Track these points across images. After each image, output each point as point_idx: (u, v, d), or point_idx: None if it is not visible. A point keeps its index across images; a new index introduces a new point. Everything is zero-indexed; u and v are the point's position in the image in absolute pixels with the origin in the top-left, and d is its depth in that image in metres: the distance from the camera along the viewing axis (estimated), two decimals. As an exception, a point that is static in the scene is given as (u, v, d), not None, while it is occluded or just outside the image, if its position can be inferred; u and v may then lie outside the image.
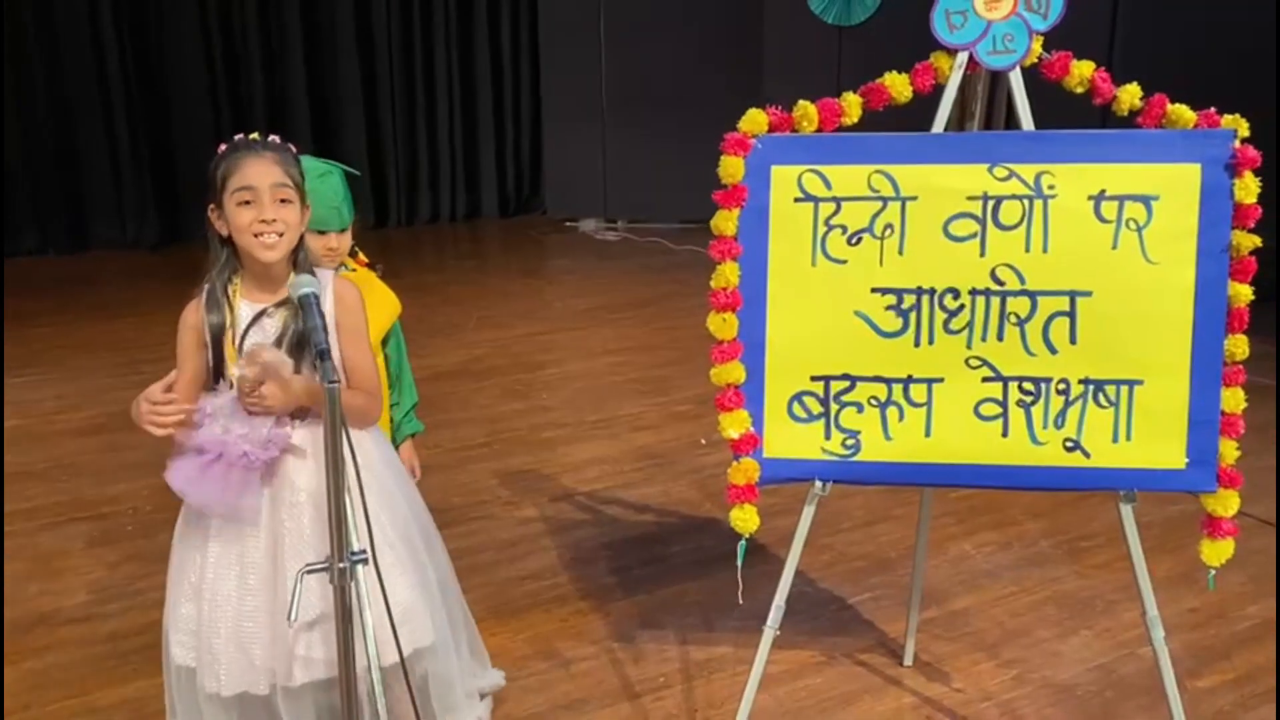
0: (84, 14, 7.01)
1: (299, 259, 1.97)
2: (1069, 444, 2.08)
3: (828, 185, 2.06)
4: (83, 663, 2.70)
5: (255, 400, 1.88)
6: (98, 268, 7.04)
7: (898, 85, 2.07)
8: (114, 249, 7.40)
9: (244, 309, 1.95)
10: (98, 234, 7.43)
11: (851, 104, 2.08)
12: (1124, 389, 2.05)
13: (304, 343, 1.90)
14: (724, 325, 2.09)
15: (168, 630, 2.06)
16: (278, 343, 1.92)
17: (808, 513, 2.19)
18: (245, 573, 1.96)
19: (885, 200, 2.05)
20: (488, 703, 2.45)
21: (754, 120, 2.06)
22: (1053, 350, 2.05)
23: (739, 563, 2.16)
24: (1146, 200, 1.99)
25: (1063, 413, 2.07)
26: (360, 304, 2.04)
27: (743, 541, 2.16)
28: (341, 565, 1.67)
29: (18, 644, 2.79)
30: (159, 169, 7.46)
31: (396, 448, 2.41)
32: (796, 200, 2.07)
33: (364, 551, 1.69)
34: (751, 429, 2.12)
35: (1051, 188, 2.01)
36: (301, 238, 1.97)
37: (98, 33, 7.07)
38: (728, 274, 2.07)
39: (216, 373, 1.95)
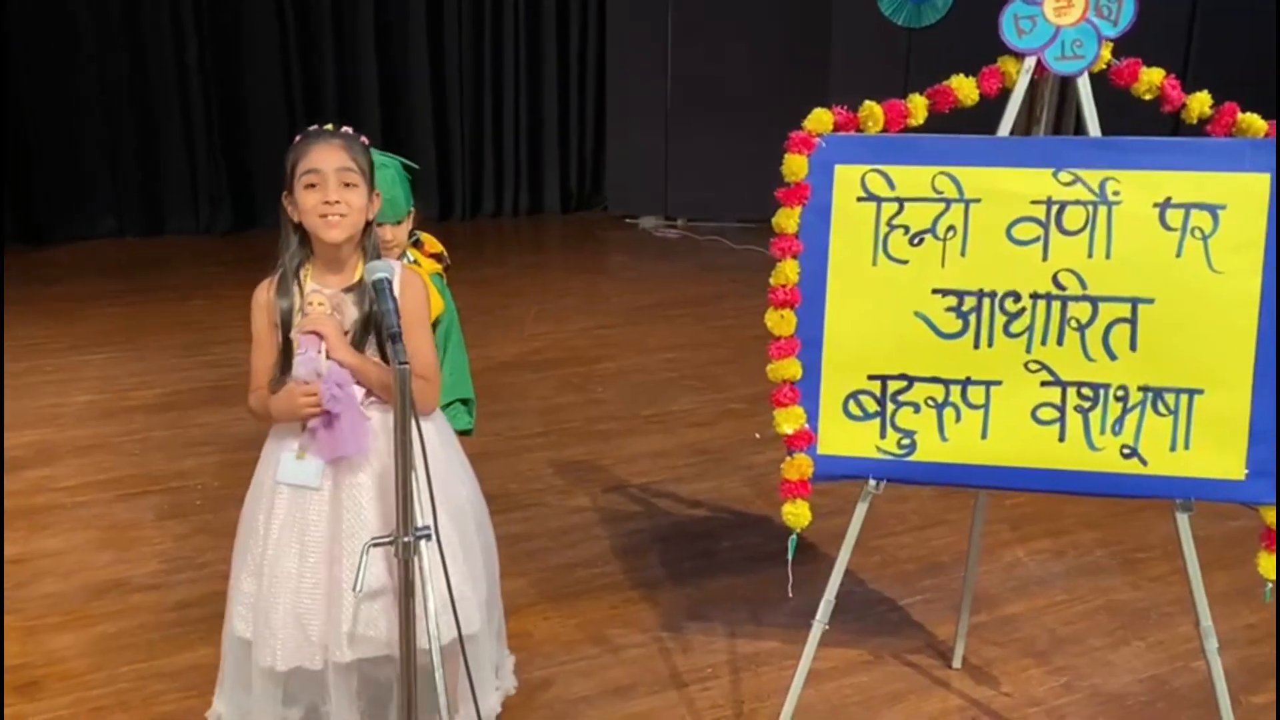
0: (166, 5, 7.21)
1: (368, 247, 2.04)
2: (1126, 451, 2.07)
3: (891, 185, 2.08)
4: (152, 628, 2.81)
5: (310, 313, 1.95)
6: (172, 251, 7.23)
7: (964, 88, 2.08)
8: (188, 234, 7.61)
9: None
10: (173, 219, 7.63)
11: (917, 105, 2.09)
12: (1184, 397, 2.04)
13: (371, 327, 1.98)
14: (782, 322, 2.12)
15: (230, 603, 2.14)
16: (357, 327, 1.99)
17: (860, 510, 2.20)
18: (306, 551, 2.03)
19: (949, 202, 2.07)
20: (500, 694, 2.49)
21: (819, 119, 2.09)
22: (1112, 356, 2.05)
23: (789, 556, 2.19)
24: (1213, 209, 1.99)
25: (1120, 419, 2.07)
26: (424, 294, 2.11)
27: (794, 536, 2.19)
28: (406, 540, 1.72)
29: (91, 609, 2.90)
30: (233, 157, 7.64)
31: None
32: (859, 199, 2.09)
33: (427, 528, 1.75)
34: (806, 425, 2.15)
35: (1116, 194, 2.01)
36: (370, 226, 2.04)
37: (178, 23, 7.26)
38: (787, 271, 2.10)
39: (285, 354, 2.02)
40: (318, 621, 2.03)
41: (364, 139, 2.05)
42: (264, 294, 2.04)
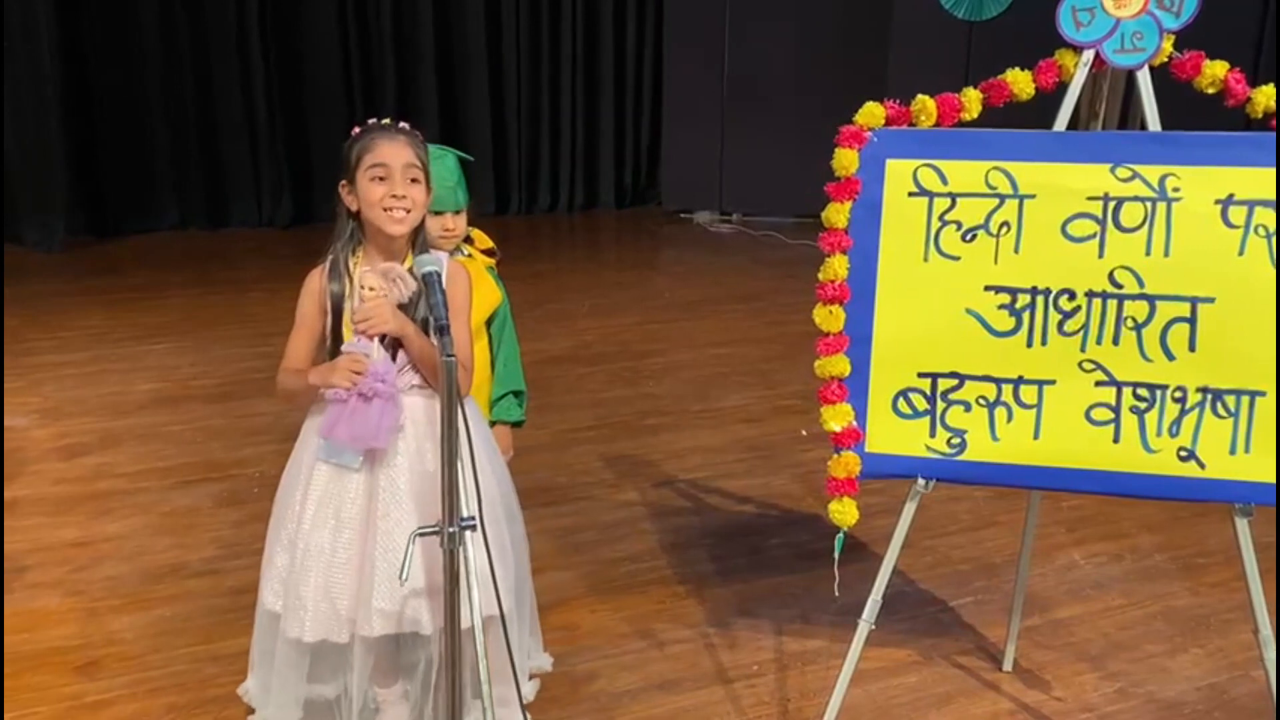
0: (230, 2, 7.34)
1: (419, 239, 2.08)
2: (1183, 453, 2.02)
3: (944, 180, 2.05)
4: (208, 613, 2.87)
5: (365, 305, 1.97)
6: (233, 244, 7.37)
7: (1020, 82, 2.05)
8: (249, 227, 7.75)
9: None
10: (235, 212, 7.78)
11: (971, 99, 2.06)
12: (1244, 399, 1.99)
13: (417, 317, 2.02)
14: (830, 318, 2.10)
15: (262, 578, 2.18)
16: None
17: (909, 510, 2.18)
18: (340, 527, 2.07)
19: (1002, 197, 2.03)
20: (535, 684, 2.51)
21: (870, 113, 2.06)
22: (1170, 357, 2.00)
23: (836, 555, 2.17)
24: (1278, 206, 1.93)
25: (1178, 421, 2.02)
26: (467, 286, 2.15)
27: (840, 535, 2.17)
28: (451, 530, 1.74)
29: (150, 593, 2.97)
30: (294, 153, 7.76)
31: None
32: (911, 195, 2.06)
33: (473, 518, 1.76)
34: (854, 423, 2.13)
35: (1176, 190, 1.96)
36: (423, 220, 2.08)
37: (241, 20, 7.39)
38: (836, 267, 2.08)
39: (335, 339, 2.06)
40: (347, 597, 2.07)
41: (420, 135, 2.08)
42: (316, 280, 2.09)
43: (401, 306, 2.02)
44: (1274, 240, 1.94)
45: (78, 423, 4.15)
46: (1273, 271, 1.94)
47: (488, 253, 2.61)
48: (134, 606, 2.90)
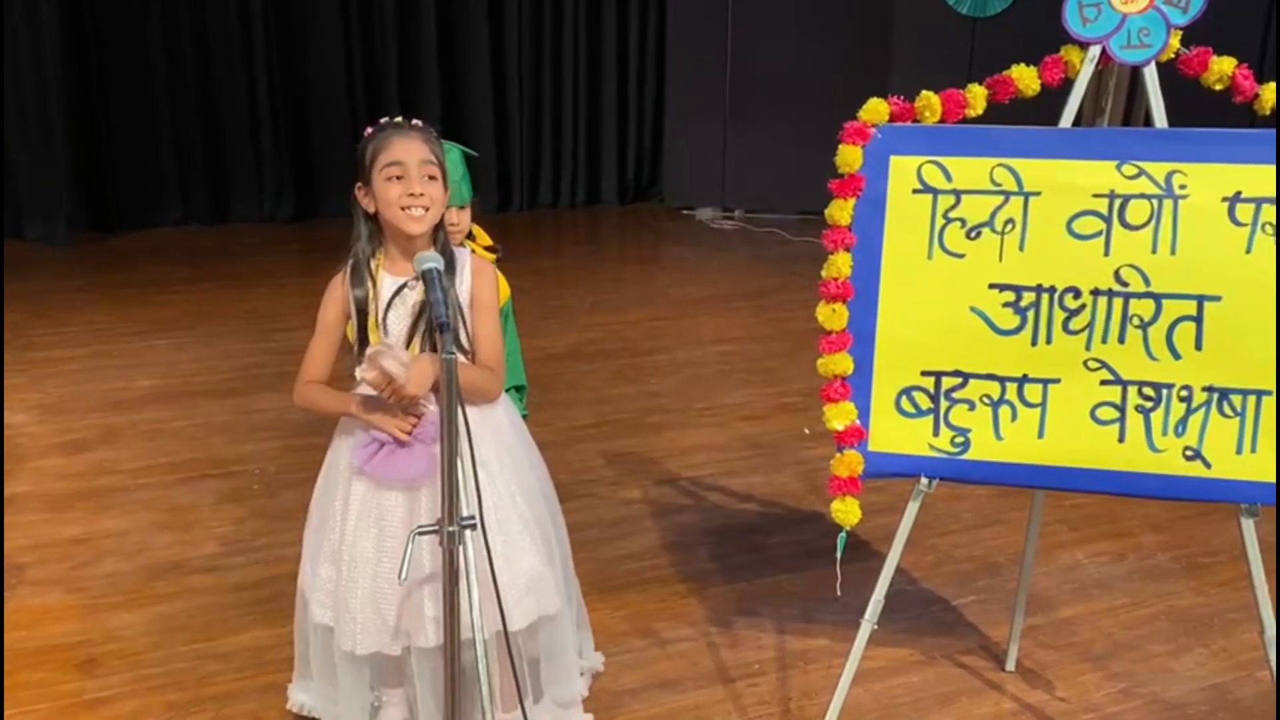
0: (234, 1, 7.33)
1: (439, 238, 2.04)
2: (1189, 453, 2.01)
3: (948, 177, 2.03)
4: (208, 610, 2.86)
5: (395, 396, 1.92)
6: (235, 240, 7.36)
7: (1025, 78, 2.03)
8: (252, 223, 7.74)
9: (386, 282, 2.03)
10: (237, 208, 7.77)
11: (976, 96, 2.05)
12: (1251, 399, 1.97)
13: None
14: (833, 316, 2.09)
15: (305, 589, 2.16)
16: (417, 314, 2.00)
17: (912, 509, 2.17)
18: (383, 536, 2.04)
19: (1007, 195, 2.02)
20: (587, 679, 2.50)
21: (875, 109, 2.05)
22: (1176, 355, 1.99)
23: (838, 554, 2.16)
24: (1278, 203, 1.91)
25: (1184, 420, 2.00)
26: (494, 280, 2.11)
27: (843, 534, 2.16)
28: (451, 529, 1.73)
29: (150, 589, 2.97)
30: (297, 148, 7.75)
31: None
32: (915, 191, 2.05)
33: (473, 517, 1.75)
34: (857, 421, 2.12)
35: (1183, 188, 1.95)
36: (442, 218, 2.04)
37: (244, 16, 7.38)
38: (840, 264, 2.07)
39: (361, 342, 2.03)
40: (394, 607, 2.04)
41: (434, 131, 2.05)
42: (339, 288, 2.05)
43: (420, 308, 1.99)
44: (1277, 238, 1.92)
45: (79, 418, 4.14)
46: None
47: (488, 249, 2.59)
48: (134, 603, 2.89)
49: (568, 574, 2.28)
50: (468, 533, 1.75)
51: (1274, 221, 1.92)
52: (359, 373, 1.97)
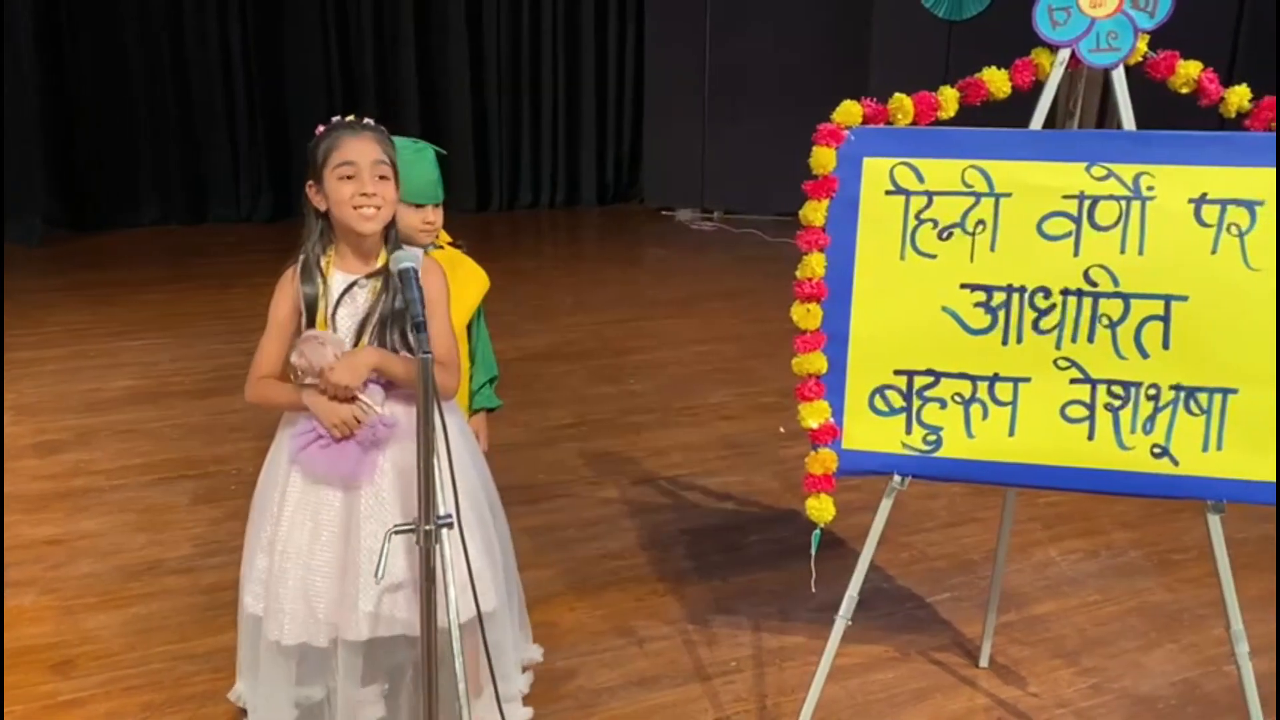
0: (212, 1, 7.31)
1: (390, 235, 2.06)
2: (1157, 450, 2.04)
3: (920, 179, 2.06)
4: (184, 611, 2.85)
5: (325, 385, 1.95)
6: (213, 239, 7.34)
7: (996, 80, 2.06)
8: (229, 222, 7.71)
9: (337, 280, 2.04)
10: (215, 209, 7.75)
11: (948, 98, 2.07)
12: (1217, 397, 2.00)
13: (394, 314, 2.00)
14: (807, 316, 2.11)
15: (242, 581, 2.17)
16: (368, 312, 2.01)
17: (885, 506, 2.19)
18: (319, 529, 2.05)
19: (979, 196, 2.04)
20: (529, 676, 2.51)
21: (848, 111, 2.07)
22: (1144, 354, 2.02)
23: (813, 552, 2.18)
24: (1250, 205, 1.95)
25: (1152, 418, 2.03)
26: (443, 281, 2.12)
27: (817, 531, 2.18)
28: (427, 528, 1.74)
29: (126, 590, 2.96)
30: (274, 149, 7.74)
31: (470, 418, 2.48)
32: (888, 193, 2.07)
33: (449, 516, 1.76)
34: (831, 420, 2.14)
35: (1151, 189, 1.98)
36: (394, 216, 2.06)
37: (222, 16, 7.36)
38: (814, 264, 2.09)
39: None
40: (325, 600, 2.05)
41: (385, 130, 2.06)
42: (289, 284, 2.06)
43: (388, 311, 2.00)
44: (1245, 240, 1.95)
45: (55, 419, 4.12)
46: (1244, 270, 1.96)
47: (452, 244, 2.59)
48: (110, 604, 2.88)
49: (509, 573, 2.29)
50: (444, 531, 1.76)
51: (1240, 223, 1.95)
52: (293, 358, 1.99)
